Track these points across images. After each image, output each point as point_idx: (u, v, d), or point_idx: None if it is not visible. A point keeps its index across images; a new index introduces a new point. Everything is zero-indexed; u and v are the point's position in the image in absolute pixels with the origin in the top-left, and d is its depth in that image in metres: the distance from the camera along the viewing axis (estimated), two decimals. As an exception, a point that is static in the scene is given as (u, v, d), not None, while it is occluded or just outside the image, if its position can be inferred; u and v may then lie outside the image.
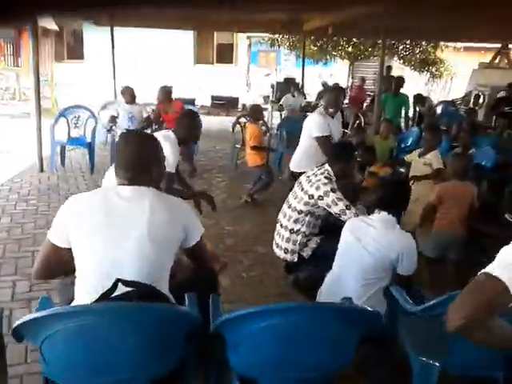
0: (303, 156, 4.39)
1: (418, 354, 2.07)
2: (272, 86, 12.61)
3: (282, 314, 1.58)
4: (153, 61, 14.03)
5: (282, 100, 9.79)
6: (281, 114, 9.92)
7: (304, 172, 4.02)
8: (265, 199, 5.63)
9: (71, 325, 1.42)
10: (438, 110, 10.36)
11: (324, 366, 1.72)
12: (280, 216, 3.53)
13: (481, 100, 10.47)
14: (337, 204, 3.14)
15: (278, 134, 7.28)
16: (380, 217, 2.55)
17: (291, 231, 3.35)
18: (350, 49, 12.74)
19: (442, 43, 12.37)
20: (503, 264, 1.16)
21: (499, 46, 11.34)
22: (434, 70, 12.94)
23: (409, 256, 2.46)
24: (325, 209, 3.24)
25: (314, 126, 4.28)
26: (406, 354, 2.14)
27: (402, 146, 6.49)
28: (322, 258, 3.17)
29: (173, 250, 1.85)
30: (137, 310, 1.51)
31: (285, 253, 3.41)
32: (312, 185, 3.26)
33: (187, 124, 3.47)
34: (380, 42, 12.39)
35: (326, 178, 3.25)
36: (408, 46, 12.60)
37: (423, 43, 12.34)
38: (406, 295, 2.21)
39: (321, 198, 3.19)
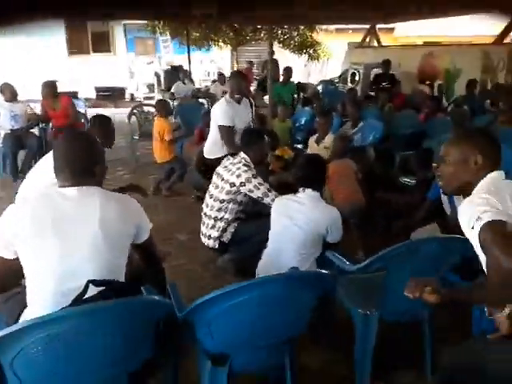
0: (214, 142, 4.46)
1: (358, 307, 2.29)
2: (156, 75, 12.38)
3: (250, 289, 1.67)
4: (24, 56, 12.91)
5: (173, 88, 9.69)
6: (172, 103, 9.80)
7: (218, 158, 4.12)
8: (176, 188, 5.60)
9: (48, 333, 1.36)
10: (319, 88, 11.06)
11: (289, 330, 1.85)
12: (203, 206, 3.61)
13: (356, 77, 11.35)
14: (258, 188, 3.29)
15: (176, 123, 7.23)
16: (306, 194, 2.74)
17: (215, 219, 3.45)
18: (231, 34, 12.89)
19: (317, 26, 13.06)
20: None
21: (368, 26, 12.30)
22: (311, 51, 13.64)
23: (336, 226, 2.70)
24: (246, 194, 3.37)
25: (218, 113, 4.36)
26: (347, 310, 2.36)
27: (297, 125, 6.83)
28: (241, 241, 3.40)
29: (127, 246, 1.84)
30: (119, 306, 1.49)
31: (208, 239, 3.51)
32: (232, 173, 3.36)
33: (102, 131, 3.27)
34: (260, 27, 12.87)
35: (244, 165, 3.38)
36: (286, 31, 13.10)
37: (300, 27, 12.93)
38: (341, 257, 2.42)
39: (243, 184, 3.31)
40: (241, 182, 3.31)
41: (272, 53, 11.87)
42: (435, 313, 2.40)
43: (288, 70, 8.44)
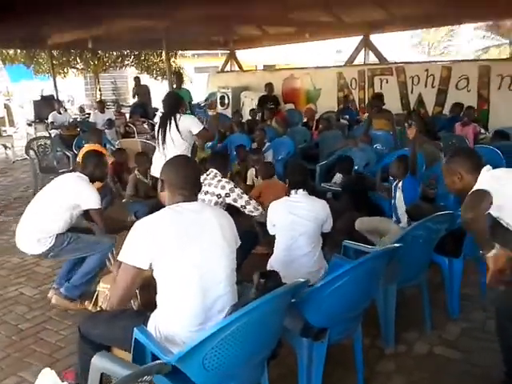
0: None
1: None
2: (21, 106, 11.51)
3: (354, 269, 2.12)
4: None
5: (50, 118, 9.24)
6: (49, 133, 9.29)
7: None
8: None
9: (239, 324, 1.65)
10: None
11: (368, 300, 2.36)
12: None
13: (226, 100, 12.15)
14: (241, 197, 3.70)
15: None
16: (300, 194, 3.19)
17: None
18: (96, 62, 12.66)
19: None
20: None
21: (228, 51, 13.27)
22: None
23: (330, 215, 3.19)
24: (225, 205, 3.74)
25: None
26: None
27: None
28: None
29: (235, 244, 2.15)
30: (284, 293, 1.82)
31: None
32: (216, 186, 3.70)
33: (95, 163, 3.46)
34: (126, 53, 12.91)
35: (222, 178, 3.77)
36: (151, 57, 13.36)
37: (163, 52, 13.31)
38: (359, 244, 3.00)
39: (228, 195, 3.68)
40: (226, 193, 3.66)
41: (138, 78, 12.09)
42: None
43: (179, 76, 8.26)
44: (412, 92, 9.04)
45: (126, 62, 12.95)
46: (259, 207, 3.74)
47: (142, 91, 11.53)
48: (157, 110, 12.03)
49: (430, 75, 8.72)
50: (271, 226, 3.23)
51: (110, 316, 2.16)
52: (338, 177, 5.23)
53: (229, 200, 3.69)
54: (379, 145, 6.11)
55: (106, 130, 9.17)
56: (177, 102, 4.71)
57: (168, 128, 4.55)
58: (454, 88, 8.37)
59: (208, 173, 3.84)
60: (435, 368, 2.74)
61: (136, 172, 5.33)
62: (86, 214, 3.51)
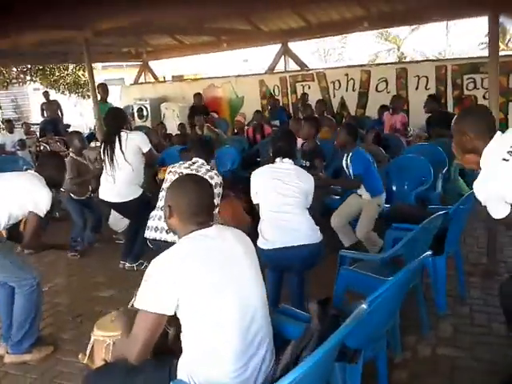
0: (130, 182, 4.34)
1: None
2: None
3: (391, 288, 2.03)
4: None
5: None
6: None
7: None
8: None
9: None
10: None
11: (394, 317, 2.27)
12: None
13: (144, 112, 11.65)
14: (218, 196, 3.39)
15: None
16: (287, 163, 3.07)
17: None
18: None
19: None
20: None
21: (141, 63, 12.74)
22: (85, 90, 13.24)
23: (312, 191, 3.09)
24: None
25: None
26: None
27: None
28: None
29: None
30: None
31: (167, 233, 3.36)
32: (204, 174, 3.34)
33: (56, 165, 3.04)
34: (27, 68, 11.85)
35: (212, 169, 3.50)
36: (57, 72, 12.43)
37: (70, 66, 12.46)
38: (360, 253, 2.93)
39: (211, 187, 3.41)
40: (210, 185, 3.39)
41: (46, 93, 11.17)
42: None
43: (104, 87, 7.88)
44: (334, 96, 9.30)
45: (28, 78, 11.89)
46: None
47: (51, 107, 10.67)
48: (68, 126, 11.27)
49: (351, 79, 9.04)
50: (254, 193, 3.11)
51: (127, 369, 1.83)
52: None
53: None
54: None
55: (19, 152, 8.39)
56: (122, 119, 4.35)
57: (114, 147, 4.18)
58: (374, 90, 8.76)
59: (194, 161, 3.56)
60: (446, 370, 2.74)
61: (71, 154, 4.98)
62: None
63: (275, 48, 10.73)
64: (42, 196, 2.86)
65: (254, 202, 3.11)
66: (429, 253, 2.23)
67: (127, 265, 4.50)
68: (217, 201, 3.36)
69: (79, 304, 3.86)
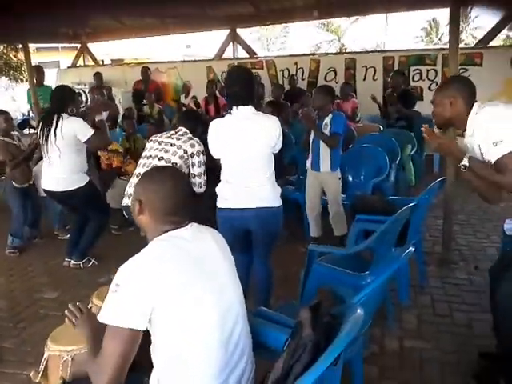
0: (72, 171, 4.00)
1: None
2: None
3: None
4: None
5: None
6: None
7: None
8: None
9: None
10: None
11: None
12: (141, 169, 3.30)
13: (84, 97, 10.99)
14: (200, 167, 3.25)
15: None
16: (245, 109, 2.71)
17: None
18: None
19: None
20: None
21: (78, 45, 12.00)
22: (17, 73, 12.29)
23: (280, 133, 2.79)
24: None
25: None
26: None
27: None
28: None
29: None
30: None
31: None
32: (185, 141, 3.25)
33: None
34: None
35: (194, 138, 3.31)
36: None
37: (0, 47, 11.51)
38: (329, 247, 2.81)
39: (193, 155, 3.23)
40: (192, 153, 3.22)
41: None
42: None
43: (40, 70, 7.44)
44: (283, 85, 9.21)
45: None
46: (204, 187, 3.33)
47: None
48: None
49: (300, 68, 8.99)
50: (213, 148, 2.83)
51: None
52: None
53: (189, 161, 3.25)
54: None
55: None
56: (66, 98, 3.95)
57: (53, 129, 3.80)
58: (323, 80, 8.74)
59: (177, 130, 3.38)
60: (414, 362, 2.72)
61: None
62: None
63: (221, 34, 10.48)
64: None
65: (215, 157, 2.85)
66: (412, 249, 2.16)
67: (73, 262, 4.18)
68: (198, 169, 3.25)
69: (20, 308, 3.52)
